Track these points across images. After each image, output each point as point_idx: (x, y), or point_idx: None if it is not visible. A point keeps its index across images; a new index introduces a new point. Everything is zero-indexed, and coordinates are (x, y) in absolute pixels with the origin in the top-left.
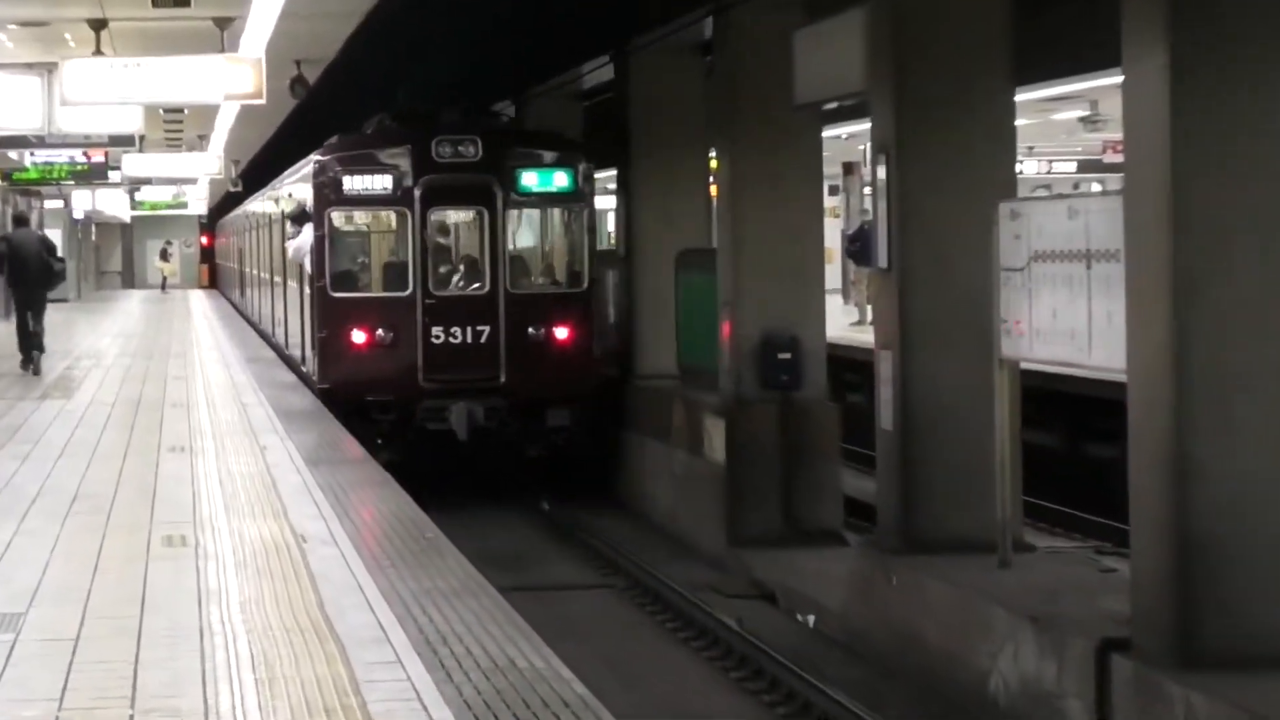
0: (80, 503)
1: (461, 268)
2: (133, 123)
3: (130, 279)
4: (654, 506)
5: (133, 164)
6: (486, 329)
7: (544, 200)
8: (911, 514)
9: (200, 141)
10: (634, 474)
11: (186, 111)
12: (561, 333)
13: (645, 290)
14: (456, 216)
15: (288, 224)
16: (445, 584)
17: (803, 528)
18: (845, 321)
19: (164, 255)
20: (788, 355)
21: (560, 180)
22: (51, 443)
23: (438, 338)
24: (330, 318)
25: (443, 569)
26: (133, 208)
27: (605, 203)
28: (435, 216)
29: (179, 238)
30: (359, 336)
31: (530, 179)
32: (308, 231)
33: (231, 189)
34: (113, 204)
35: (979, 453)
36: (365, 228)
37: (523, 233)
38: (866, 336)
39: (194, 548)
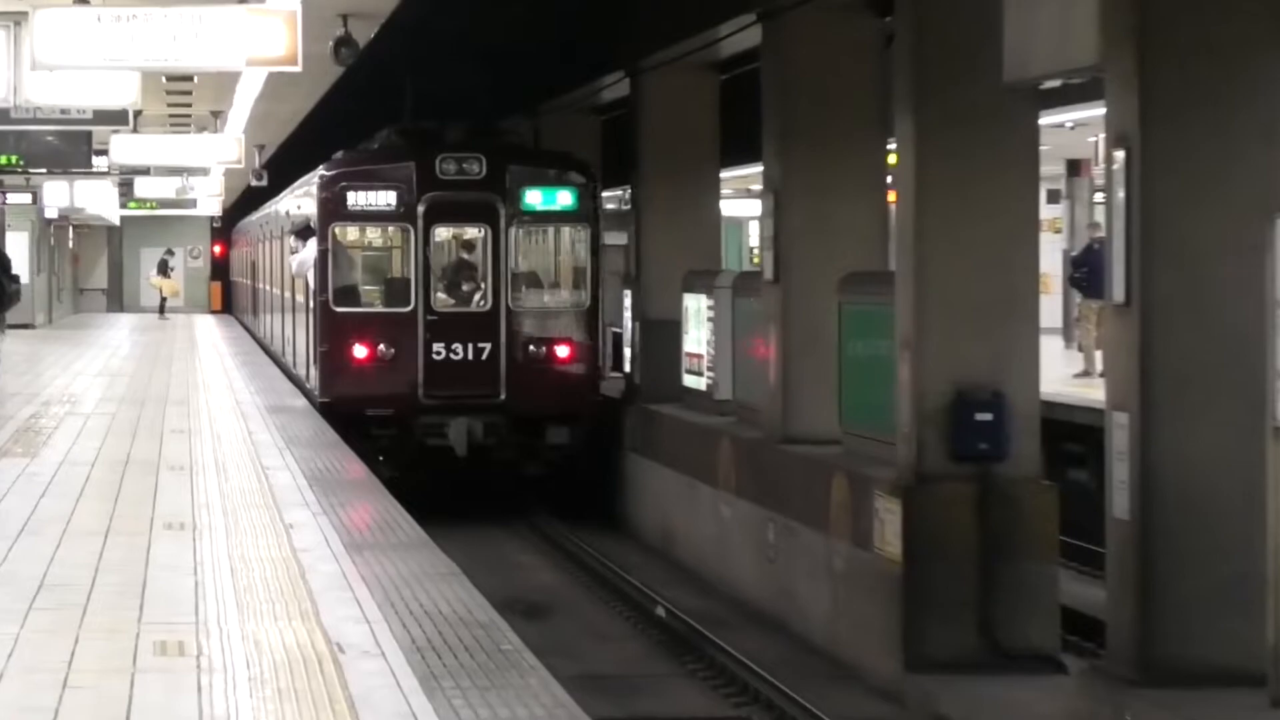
0: (46, 596)
1: (463, 284)
2: (125, 93)
3: (118, 299)
4: (804, 613)
5: (124, 148)
6: (488, 346)
7: (548, 219)
8: (1152, 633)
9: (214, 120)
10: (779, 569)
11: (196, 80)
12: (562, 350)
13: (796, 326)
14: (459, 233)
15: (290, 239)
16: (527, 713)
17: (1006, 649)
18: (1066, 372)
19: (163, 269)
20: (988, 416)
21: (564, 199)
22: (8, 516)
23: (439, 354)
24: (332, 332)
25: (523, 693)
26: (123, 205)
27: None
28: (438, 233)
29: (183, 246)
30: (360, 351)
31: (534, 197)
32: (312, 246)
33: (254, 183)
34: (97, 200)
35: (1245, 552)
36: (369, 243)
37: (526, 250)
38: (1095, 393)
39: (195, 658)
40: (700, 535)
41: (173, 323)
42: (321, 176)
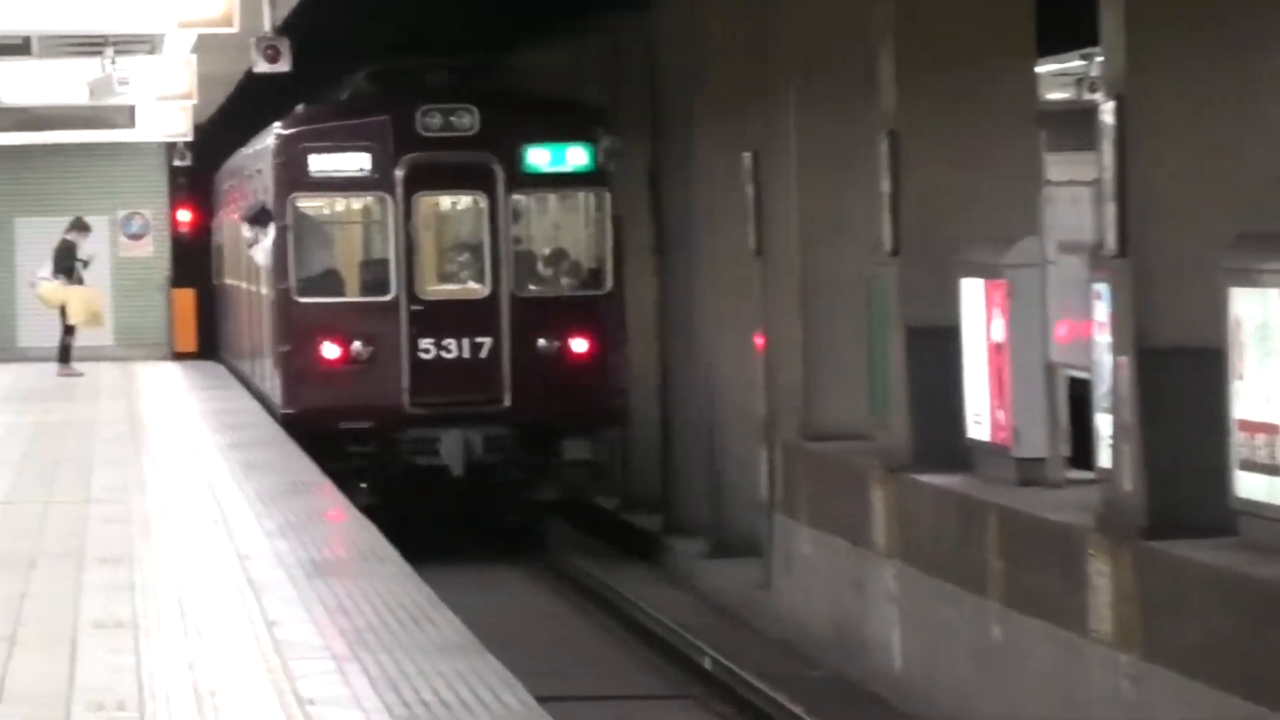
0: None
1: (455, 266)
2: None
3: None
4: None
5: None
6: (487, 341)
7: (557, 182)
8: None
9: None
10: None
11: None
12: (580, 345)
13: None
14: (448, 203)
15: (243, 226)
16: None
17: None
18: None
19: (65, 264)
20: None
21: (577, 157)
22: None
23: (427, 352)
24: (295, 329)
25: None
26: None
27: None
28: (423, 203)
29: (110, 213)
30: (331, 351)
31: (539, 156)
32: (272, 232)
33: (264, 68)
34: None
35: None
36: (337, 218)
37: (531, 222)
38: None
39: None
40: (942, 659)
41: (88, 387)
42: (277, 136)
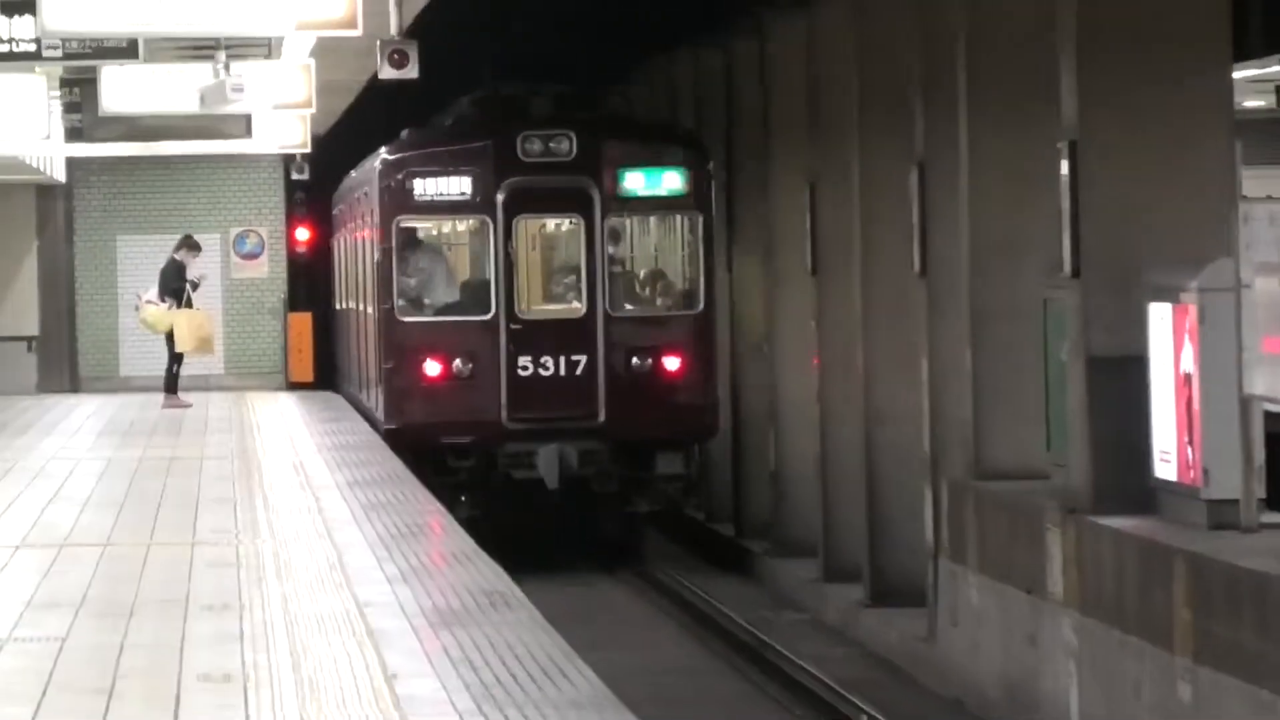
0: None
1: (552, 286)
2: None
3: (64, 362)
4: None
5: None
6: (583, 358)
7: (652, 205)
8: None
9: None
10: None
11: None
12: (672, 363)
13: None
14: (547, 225)
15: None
16: None
17: None
18: None
19: (172, 287)
20: None
21: (671, 182)
22: None
23: (525, 369)
24: (399, 346)
25: None
26: (76, 134)
27: None
28: (522, 226)
29: (221, 230)
30: (433, 368)
31: (635, 180)
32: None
33: (390, 74)
34: (11, 119)
35: None
36: (440, 239)
37: (626, 244)
38: None
39: None
40: None
41: (196, 420)
42: (383, 161)
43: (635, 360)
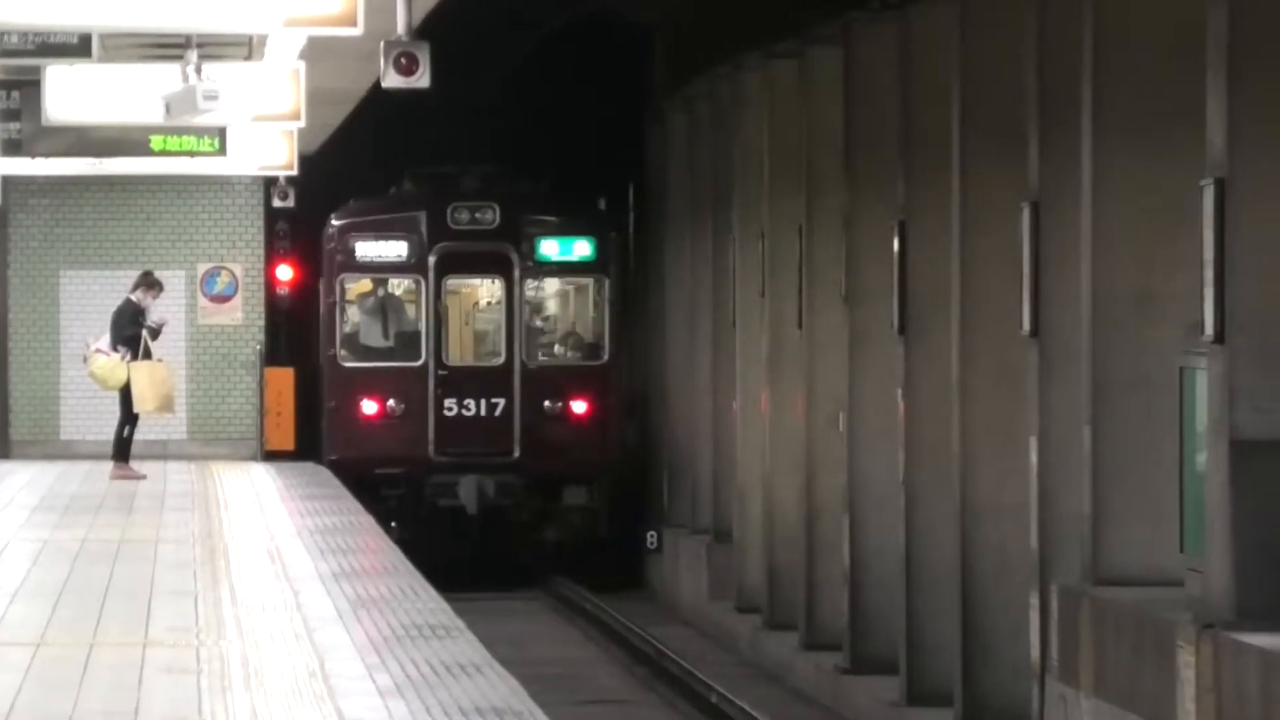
0: None
1: (476, 339)
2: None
3: None
4: None
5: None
6: (501, 401)
7: (564, 270)
8: None
9: None
10: None
11: None
12: (579, 407)
13: None
14: (472, 285)
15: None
16: None
17: None
18: None
19: (125, 333)
20: None
21: (582, 249)
22: None
23: (450, 410)
24: (341, 388)
25: None
26: (11, 149)
27: None
28: (450, 285)
29: (192, 265)
30: (370, 407)
31: (550, 248)
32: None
33: (396, 82)
34: None
35: None
36: (378, 295)
37: (541, 303)
38: None
39: None
40: None
41: (152, 494)
42: (331, 226)
43: (547, 404)
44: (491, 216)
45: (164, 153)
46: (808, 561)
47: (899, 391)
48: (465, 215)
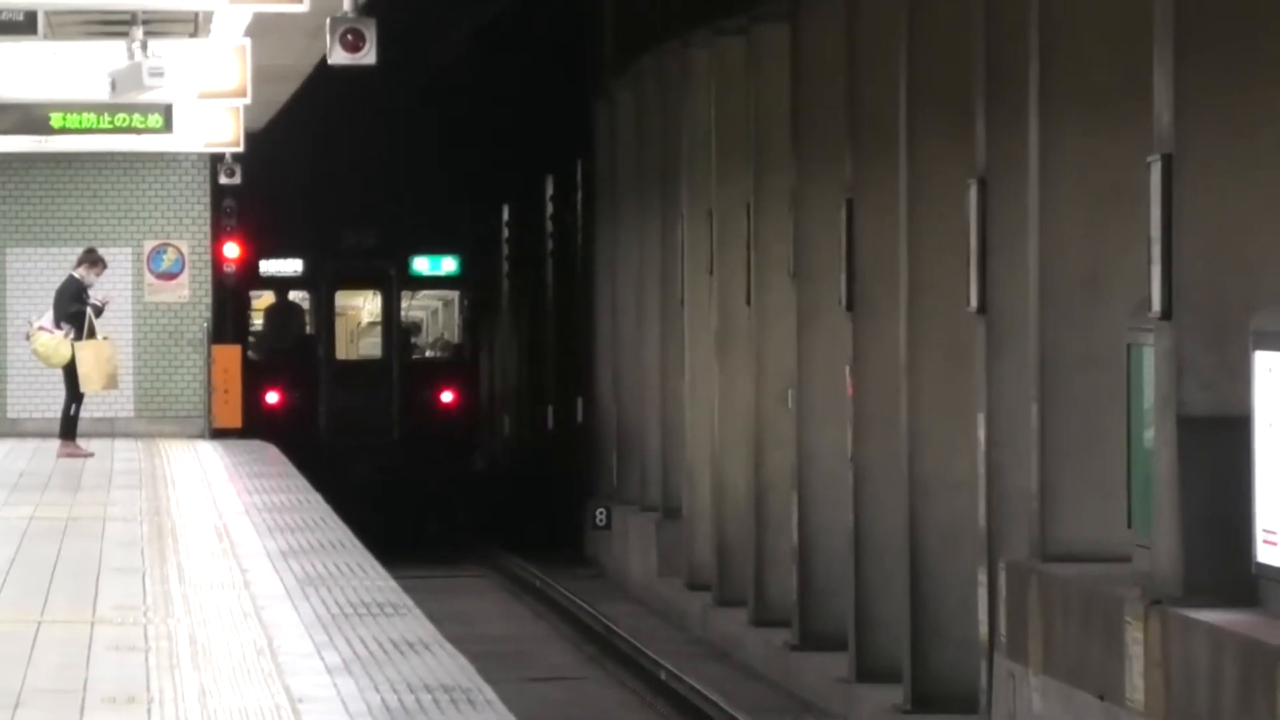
0: None
1: (361, 339)
2: None
3: None
4: None
5: None
6: (382, 391)
7: (434, 283)
8: None
9: None
10: None
11: None
12: (447, 396)
13: None
14: (357, 296)
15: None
16: None
17: None
18: None
19: (69, 310)
20: None
21: (448, 266)
22: None
23: (339, 398)
24: (250, 379)
25: None
26: None
27: None
28: (339, 296)
29: (138, 242)
30: (272, 396)
31: (422, 264)
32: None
33: (344, 59)
34: None
35: None
36: (279, 304)
37: (415, 310)
38: None
39: None
40: None
41: (99, 472)
42: None
43: (420, 394)
44: (373, 238)
45: (109, 130)
46: (757, 538)
47: (847, 368)
48: (352, 237)
